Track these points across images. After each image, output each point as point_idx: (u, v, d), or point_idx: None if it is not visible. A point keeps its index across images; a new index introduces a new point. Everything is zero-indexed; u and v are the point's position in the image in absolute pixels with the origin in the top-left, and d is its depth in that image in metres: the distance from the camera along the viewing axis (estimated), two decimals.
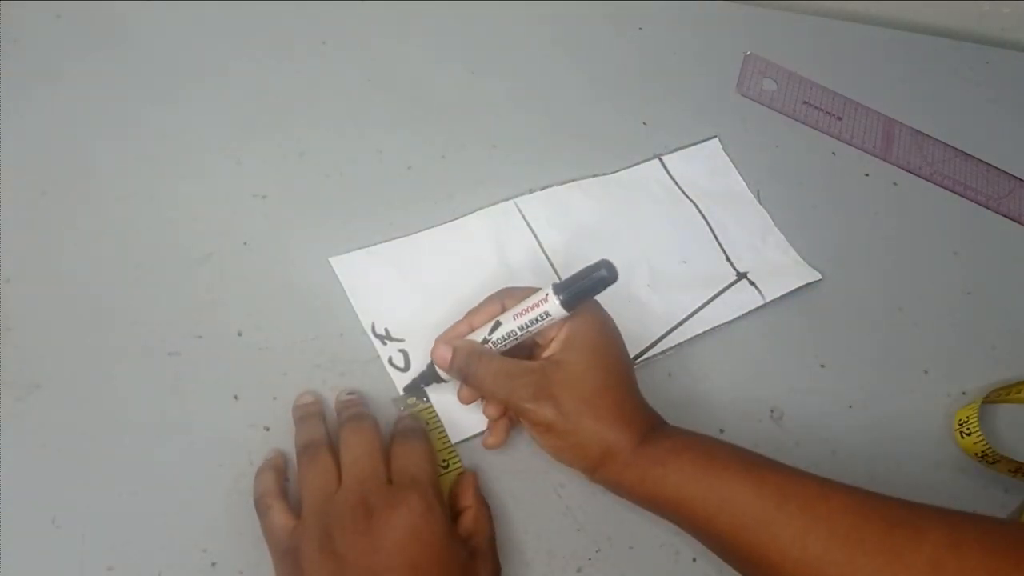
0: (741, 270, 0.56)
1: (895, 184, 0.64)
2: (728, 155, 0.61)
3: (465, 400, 0.45)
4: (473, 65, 0.60)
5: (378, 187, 0.53)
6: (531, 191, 0.55)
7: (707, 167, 0.60)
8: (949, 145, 0.67)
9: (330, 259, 0.49)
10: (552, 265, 0.53)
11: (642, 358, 0.51)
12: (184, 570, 0.40)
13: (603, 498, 0.46)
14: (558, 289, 0.41)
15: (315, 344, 0.47)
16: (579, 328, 0.42)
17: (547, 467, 0.46)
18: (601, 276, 0.40)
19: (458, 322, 0.46)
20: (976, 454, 0.52)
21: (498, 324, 0.43)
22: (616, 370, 0.42)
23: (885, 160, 0.65)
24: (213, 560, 0.40)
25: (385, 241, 0.51)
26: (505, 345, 0.43)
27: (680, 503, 0.39)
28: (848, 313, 0.56)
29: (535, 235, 0.54)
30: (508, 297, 0.44)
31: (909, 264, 0.60)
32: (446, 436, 0.45)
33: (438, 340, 0.45)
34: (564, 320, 0.42)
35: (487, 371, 0.42)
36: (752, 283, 0.55)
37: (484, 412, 0.45)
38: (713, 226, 0.57)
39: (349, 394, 0.45)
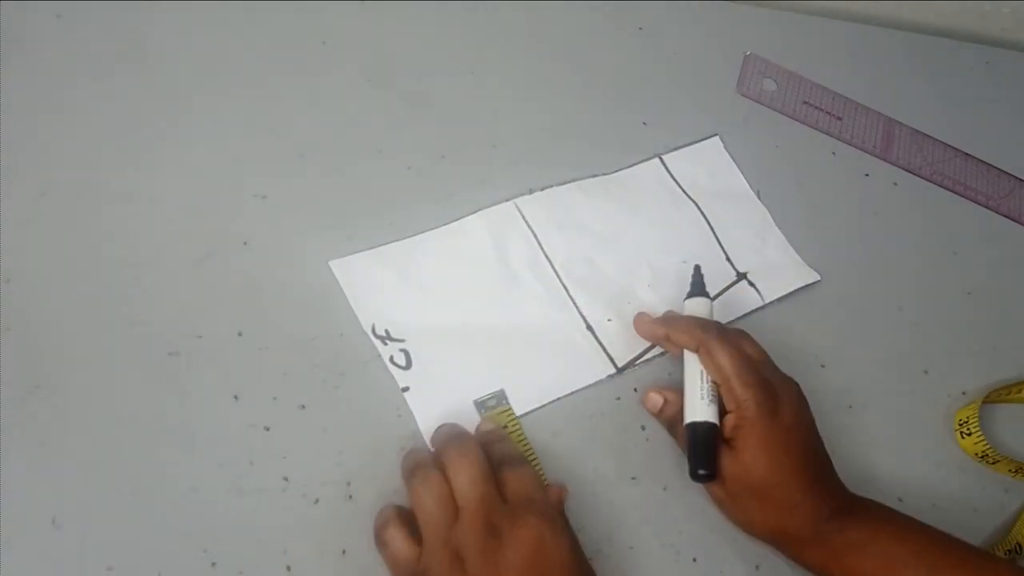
0: (741, 270, 0.56)
1: (895, 184, 0.64)
2: (728, 154, 0.61)
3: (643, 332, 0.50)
4: (473, 65, 0.60)
5: (378, 187, 0.53)
6: (531, 191, 0.55)
7: (708, 166, 0.60)
8: (949, 145, 0.67)
9: (330, 263, 0.49)
10: (552, 265, 0.53)
11: (642, 358, 0.51)
12: (184, 570, 0.40)
13: (602, 498, 0.46)
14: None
15: (315, 344, 0.47)
16: (752, 420, 0.43)
17: (546, 467, 0.46)
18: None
19: (653, 323, 0.49)
20: (976, 454, 0.52)
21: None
22: (790, 463, 0.43)
23: (885, 160, 0.65)
24: (213, 560, 0.40)
25: (385, 244, 0.51)
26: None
27: None
28: (848, 313, 0.56)
29: (535, 235, 0.54)
30: (704, 328, 0.47)
31: (909, 264, 0.60)
32: (528, 443, 0.46)
33: (650, 390, 0.48)
34: (734, 403, 0.44)
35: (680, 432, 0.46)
36: (752, 284, 0.55)
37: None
38: (714, 226, 0.57)
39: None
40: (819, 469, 0.44)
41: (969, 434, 0.52)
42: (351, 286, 0.49)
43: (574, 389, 0.49)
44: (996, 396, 0.54)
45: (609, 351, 0.50)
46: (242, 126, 0.53)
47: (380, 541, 0.40)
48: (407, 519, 0.41)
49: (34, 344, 0.44)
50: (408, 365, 0.47)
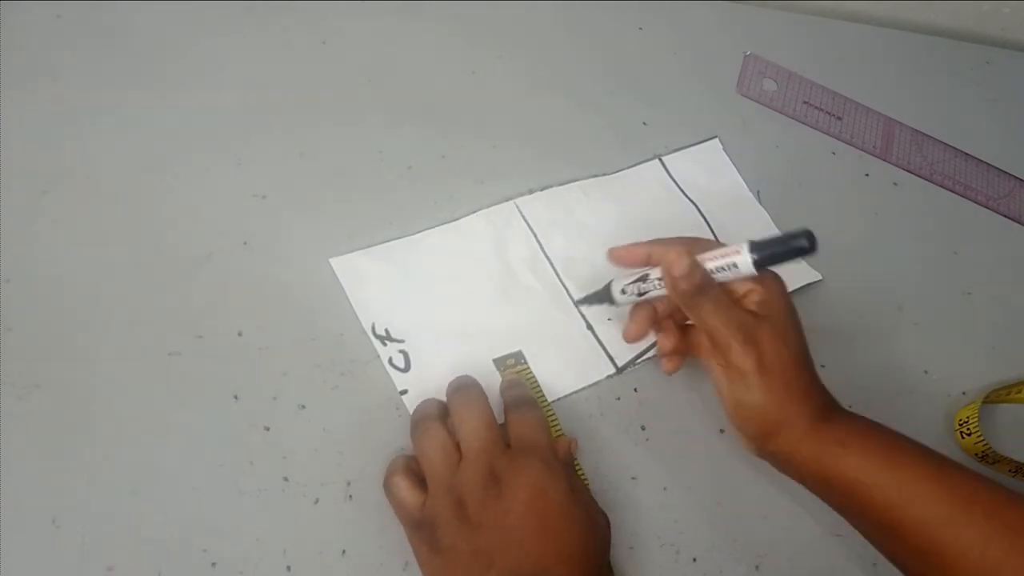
0: None
1: (895, 184, 0.64)
2: (728, 155, 0.61)
3: (632, 337, 0.47)
4: (473, 65, 0.60)
5: (378, 187, 0.53)
6: (531, 191, 0.55)
7: (707, 167, 0.60)
8: (949, 145, 0.67)
9: (330, 260, 0.49)
10: (552, 265, 0.53)
11: (642, 358, 0.51)
12: (184, 570, 0.40)
13: (602, 498, 0.46)
14: (754, 247, 0.41)
15: (315, 344, 0.47)
16: (775, 296, 0.43)
17: None
18: (801, 246, 0.40)
19: (635, 245, 0.46)
20: (976, 454, 0.52)
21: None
22: (804, 346, 0.43)
23: (885, 160, 0.65)
24: (213, 560, 0.40)
25: (385, 242, 0.51)
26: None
27: (856, 486, 0.40)
28: (848, 313, 0.56)
29: (535, 235, 0.54)
30: (693, 244, 0.45)
31: (909, 264, 0.60)
32: (545, 398, 0.48)
33: (672, 251, 0.43)
34: (755, 284, 0.42)
35: (711, 297, 0.42)
36: None
37: (660, 345, 0.48)
38: (713, 227, 0.57)
39: None
40: (814, 364, 0.44)
41: (969, 434, 0.52)
42: (351, 284, 0.49)
43: (574, 389, 0.49)
44: (996, 396, 0.54)
45: (609, 351, 0.50)
46: (242, 126, 0.53)
47: (387, 489, 0.42)
48: (414, 469, 0.42)
49: (34, 344, 0.44)
50: (407, 367, 0.47)
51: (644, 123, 0.61)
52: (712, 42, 0.67)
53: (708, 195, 0.59)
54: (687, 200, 0.58)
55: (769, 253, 0.41)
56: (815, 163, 0.63)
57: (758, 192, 0.60)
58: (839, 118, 0.66)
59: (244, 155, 0.52)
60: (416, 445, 0.42)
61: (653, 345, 0.51)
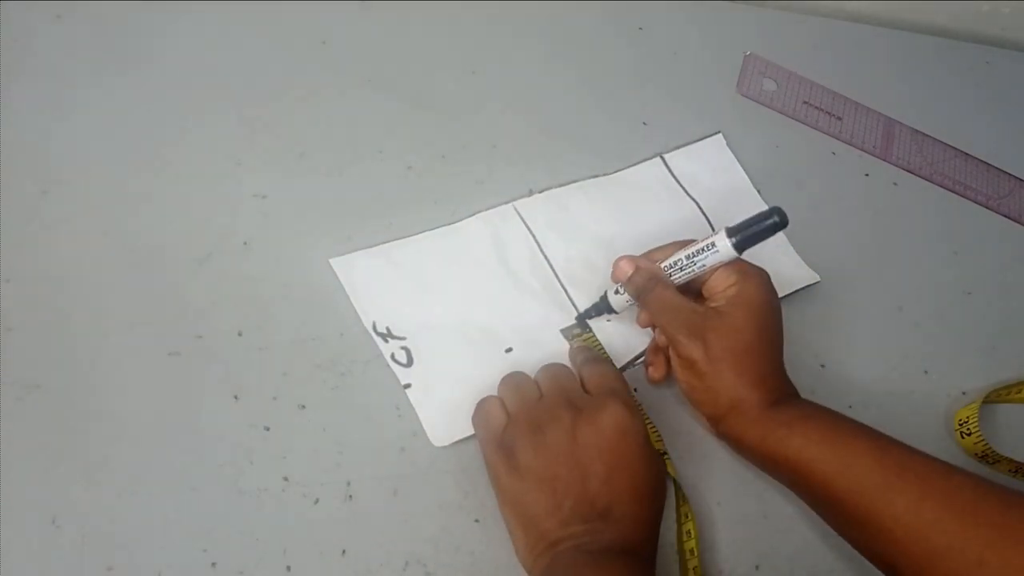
0: None
1: (895, 184, 0.64)
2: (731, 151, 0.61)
3: (643, 324, 0.50)
4: (473, 65, 0.60)
5: (378, 187, 0.53)
6: (531, 191, 0.55)
7: (710, 163, 0.60)
8: (949, 145, 0.67)
9: (330, 260, 0.49)
10: (551, 266, 0.53)
11: (641, 359, 0.51)
12: (184, 570, 0.40)
13: None
14: (731, 232, 0.45)
15: (315, 344, 0.47)
16: (747, 290, 0.45)
17: None
18: (773, 222, 0.44)
19: (641, 255, 0.49)
20: (976, 454, 0.52)
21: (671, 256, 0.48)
22: (768, 337, 0.46)
23: (885, 160, 0.65)
24: (213, 560, 0.40)
25: (386, 242, 0.51)
26: (671, 275, 0.47)
27: (799, 464, 0.42)
28: (848, 313, 0.56)
29: (534, 237, 0.54)
30: (686, 245, 0.48)
31: (909, 264, 0.60)
32: (612, 362, 0.50)
33: (621, 257, 0.49)
34: (738, 278, 0.45)
35: (658, 296, 0.46)
36: None
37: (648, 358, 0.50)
38: (714, 225, 0.57)
39: None
40: (781, 355, 0.47)
41: (969, 434, 0.52)
42: (352, 284, 0.49)
43: None
44: (996, 396, 0.54)
45: (608, 351, 0.50)
46: (242, 126, 0.53)
47: (476, 410, 0.45)
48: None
49: (34, 344, 0.44)
50: (409, 363, 0.47)
51: (644, 123, 0.61)
52: (712, 42, 0.67)
53: (711, 192, 0.58)
54: (688, 198, 0.58)
55: (746, 235, 0.45)
56: (815, 163, 0.63)
57: (758, 191, 0.60)
58: (839, 118, 0.66)
59: (244, 155, 0.52)
60: (500, 388, 0.45)
61: None
